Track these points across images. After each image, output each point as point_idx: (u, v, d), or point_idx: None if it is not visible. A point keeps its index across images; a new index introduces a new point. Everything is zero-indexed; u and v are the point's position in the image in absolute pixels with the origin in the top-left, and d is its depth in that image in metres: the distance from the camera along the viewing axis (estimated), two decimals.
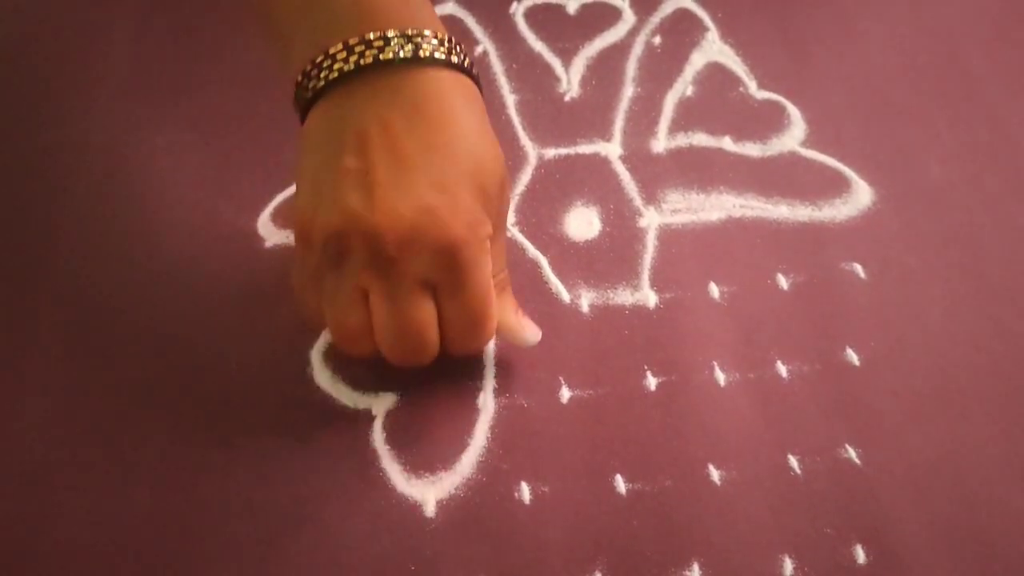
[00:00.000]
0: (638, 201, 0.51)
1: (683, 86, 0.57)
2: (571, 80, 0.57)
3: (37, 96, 0.56)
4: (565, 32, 0.60)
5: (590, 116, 0.55)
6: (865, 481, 0.41)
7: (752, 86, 0.56)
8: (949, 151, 0.54)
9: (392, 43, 0.36)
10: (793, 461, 0.42)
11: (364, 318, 0.37)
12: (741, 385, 0.44)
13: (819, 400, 0.43)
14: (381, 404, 0.43)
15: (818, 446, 0.42)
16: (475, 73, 0.40)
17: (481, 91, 0.40)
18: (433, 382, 0.44)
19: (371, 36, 0.36)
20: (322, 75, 0.37)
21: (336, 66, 0.37)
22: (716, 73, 0.57)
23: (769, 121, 0.55)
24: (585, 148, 0.53)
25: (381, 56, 0.36)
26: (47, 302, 0.47)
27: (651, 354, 0.45)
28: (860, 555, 0.39)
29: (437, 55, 0.37)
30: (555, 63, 0.58)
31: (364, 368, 0.44)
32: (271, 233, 0.49)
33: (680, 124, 0.54)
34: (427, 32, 0.37)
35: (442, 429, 0.43)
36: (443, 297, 0.37)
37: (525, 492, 0.41)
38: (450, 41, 0.38)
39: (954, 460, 0.42)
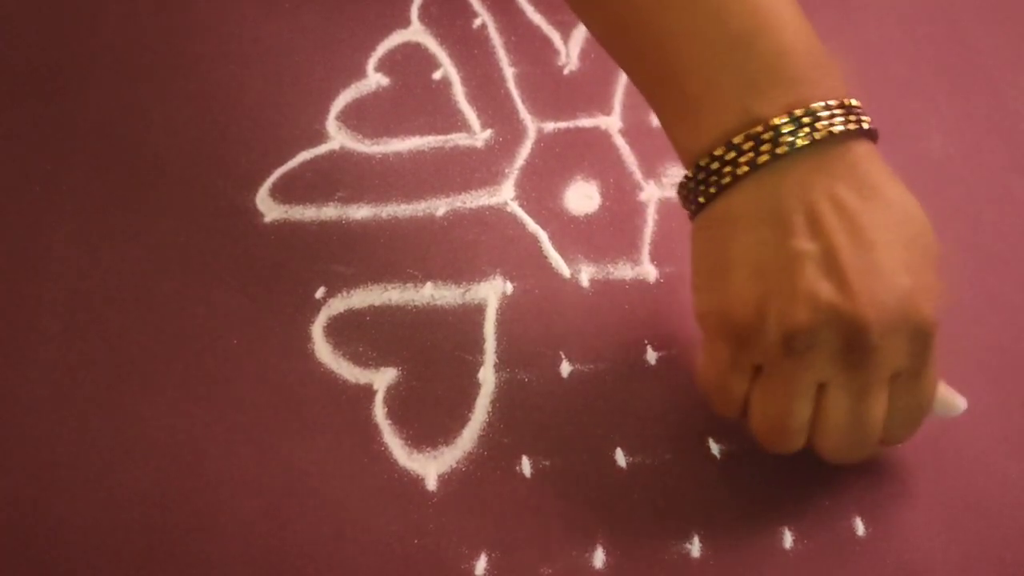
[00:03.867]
0: (638, 175, 0.51)
1: None
2: (570, 53, 0.56)
3: (30, 74, 0.56)
4: (564, 5, 0.59)
5: (590, 89, 0.54)
6: None
7: None
8: (949, 124, 0.53)
9: (835, 118, 0.33)
10: None
11: (811, 413, 0.34)
12: None
13: None
14: (382, 379, 0.43)
15: None
16: (875, 133, 0.36)
17: None
18: (434, 357, 0.44)
19: (816, 106, 0.33)
20: (763, 149, 0.33)
21: (784, 139, 0.32)
22: None
23: None
24: (585, 122, 0.53)
25: (833, 130, 0.33)
26: (45, 280, 0.47)
27: (652, 328, 0.45)
28: (859, 527, 0.39)
29: (864, 125, 0.34)
30: (554, 36, 0.57)
31: (365, 344, 0.44)
32: (270, 208, 0.49)
33: None
34: (855, 102, 0.34)
35: (443, 404, 0.43)
36: (902, 385, 0.34)
37: (526, 466, 0.41)
38: (857, 106, 0.35)
39: (952, 432, 0.42)
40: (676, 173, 0.50)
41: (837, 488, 0.40)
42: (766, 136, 0.33)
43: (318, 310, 0.45)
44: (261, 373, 0.44)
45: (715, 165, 0.33)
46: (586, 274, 0.47)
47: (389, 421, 0.42)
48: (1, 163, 0.52)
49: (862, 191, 0.33)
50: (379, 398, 0.43)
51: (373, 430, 0.42)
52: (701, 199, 0.34)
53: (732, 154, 0.33)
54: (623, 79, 0.55)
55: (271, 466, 0.41)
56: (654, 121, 0.53)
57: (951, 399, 0.38)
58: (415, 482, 0.40)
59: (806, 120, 0.33)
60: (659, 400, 0.43)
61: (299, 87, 0.54)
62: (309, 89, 0.54)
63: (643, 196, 0.50)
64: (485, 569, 0.38)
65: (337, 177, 0.50)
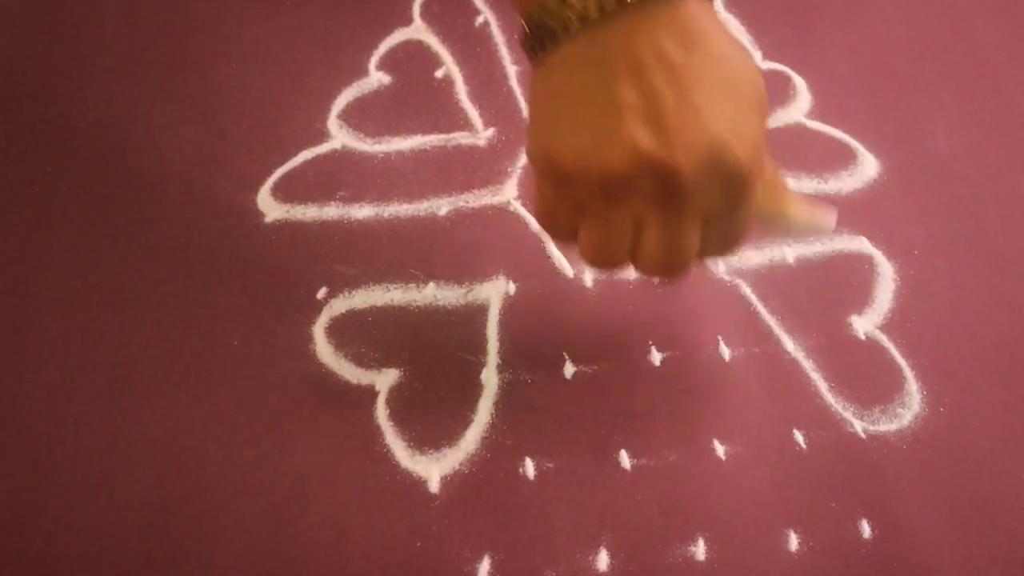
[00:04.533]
0: None
1: None
2: None
3: (32, 73, 0.55)
4: None
5: None
6: (870, 455, 0.41)
7: (757, 57, 0.56)
8: (954, 122, 0.53)
9: None
10: (798, 436, 0.42)
11: (630, 244, 0.36)
12: (746, 360, 0.44)
13: (825, 373, 0.43)
14: (384, 380, 0.43)
15: (823, 420, 0.42)
16: None
17: None
18: (436, 358, 0.44)
19: None
20: (592, 2, 0.33)
21: None
22: None
23: (774, 92, 0.54)
24: None
25: None
26: (46, 281, 0.47)
27: (655, 329, 0.45)
28: (865, 529, 0.39)
29: None
30: None
31: (367, 344, 0.44)
32: (271, 208, 0.49)
33: None
34: None
35: (445, 405, 0.42)
36: (713, 222, 0.35)
37: (529, 468, 0.41)
38: None
39: (958, 433, 0.42)
40: None
41: (843, 490, 0.40)
42: None
43: (319, 311, 0.45)
44: (262, 374, 0.43)
45: (550, 21, 0.35)
46: (590, 274, 0.47)
47: (391, 423, 0.42)
48: (2, 164, 0.51)
49: (687, 43, 0.33)
50: (381, 399, 0.43)
51: (375, 432, 0.42)
52: (539, 52, 0.36)
53: (565, 10, 0.34)
54: None
55: (272, 468, 0.41)
56: None
57: (815, 219, 0.39)
58: (418, 484, 0.40)
59: None
60: (663, 401, 0.42)
61: (300, 86, 0.54)
62: (310, 88, 0.54)
63: None
64: (488, 572, 0.38)
65: (339, 176, 0.50)
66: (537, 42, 0.35)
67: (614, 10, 0.33)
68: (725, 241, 0.36)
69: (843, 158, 0.51)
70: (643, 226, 0.35)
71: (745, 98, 0.34)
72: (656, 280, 0.40)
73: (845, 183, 0.50)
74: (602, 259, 0.37)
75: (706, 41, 0.34)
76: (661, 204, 0.34)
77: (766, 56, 0.56)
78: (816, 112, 0.53)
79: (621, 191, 0.34)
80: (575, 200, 0.35)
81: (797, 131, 0.52)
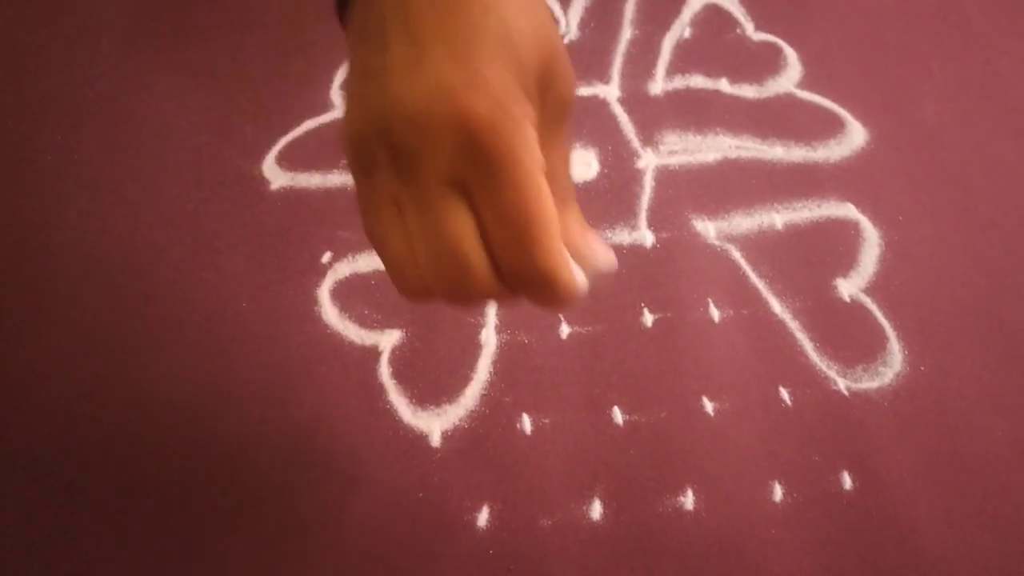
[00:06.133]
0: (636, 143, 0.52)
1: (681, 28, 0.57)
2: (569, 22, 0.57)
3: (39, 45, 0.56)
4: None
5: (588, 58, 0.55)
6: (852, 412, 0.43)
7: (749, 28, 0.57)
8: (942, 91, 0.54)
9: None
10: (784, 393, 0.43)
11: (406, 240, 0.30)
12: (735, 321, 0.45)
13: (810, 334, 0.45)
14: (387, 340, 0.45)
15: (808, 379, 0.44)
16: None
17: None
18: (437, 319, 0.45)
19: None
20: None
21: None
22: (714, 15, 0.58)
23: (766, 63, 0.55)
24: (583, 90, 0.54)
25: None
26: (59, 248, 0.48)
27: (648, 292, 0.46)
28: (847, 481, 0.41)
29: None
30: (554, 5, 0.58)
31: (370, 306, 0.45)
32: (276, 176, 0.50)
33: (678, 66, 0.55)
34: None
35: (446, 364, 0.44)
36: (478, 200, 0.29)
37: (526, 423, 0.42)
38: None
39: (937, 391, 0.43)
40: (674, 141, 0.52)
41: (826, 444, 0.42)
42: None
43: (324, 274, 0.47)
44: (270, 335, 0.45)
45: None
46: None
47: (394, 380, 0.43)
48: (12, 133, 0.53)
49: None
50: (384, 359, 0.44)
51: (379, 389, 0.43)
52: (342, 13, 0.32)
53: None
54: (621, 48, 0.56)
55: (280, 424, 0.42)
56: (652, 89, 0.54)
57: (586, 253, 0.31)
58: (420, 438, 0.42)
59: None
60: (655, 360, 0.44)
61: (304, 57, 0.55)
62: (314, 59, 0.55)
63: (641, 163, 0.51)
64: (487, 521, 0.40)
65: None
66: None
67: None
68: (507, 223, 0.29)
69: (832, 127, 0.52)
70: (401, 210, 0.30)
71: (495, 41, 0.29)
72: (451, 301, 0.31)
73: (833, 151, 0.51)
74: (388, 260, 0.31)
75: None
76: (397, 173, 0.29)
77: (758, 27, 0.57)
78: (806, 82, 0.54)
79: (363, 159, 0.29)
80: (357, 188, 0.31)
81: (787, 100, 0.53)
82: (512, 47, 0.29)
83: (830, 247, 0.48)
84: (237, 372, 0.44)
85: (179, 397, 0.43)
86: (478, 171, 0.28)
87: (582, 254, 0.31)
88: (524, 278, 0.30)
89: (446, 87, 0.28)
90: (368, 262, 0.47)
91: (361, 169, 0.30)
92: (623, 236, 0.48)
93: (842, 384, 0.43)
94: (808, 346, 0.44)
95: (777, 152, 0.51)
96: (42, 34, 0.57)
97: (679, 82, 0.54)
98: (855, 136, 0.52)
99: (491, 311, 0.45)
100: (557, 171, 0.31)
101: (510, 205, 0.28)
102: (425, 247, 0.29)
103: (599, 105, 0.53)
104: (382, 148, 0.29)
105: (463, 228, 0.29)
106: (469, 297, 0.30)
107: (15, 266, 0.47)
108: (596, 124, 0.52)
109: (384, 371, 0.44)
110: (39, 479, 0.41)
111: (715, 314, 0.45)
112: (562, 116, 0.32)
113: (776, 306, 0.46)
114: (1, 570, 0.38)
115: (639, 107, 0.53)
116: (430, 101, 0.28)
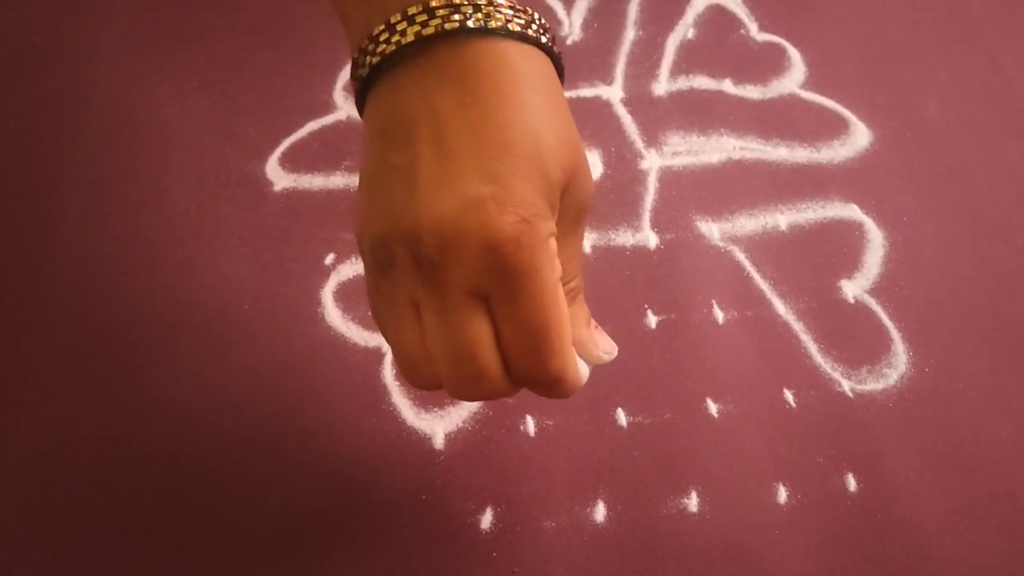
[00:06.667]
0: (639, 144, 0.52)
1: (684, 29, 0.57)
2: (572, 23, 0.57)
3: (42, 46, 0.56)
4: None
5: (591, 59, 0.55)
6: (857, 413, 0.43)
7: (753, 28, 0.57)
8: (946, 92, 0.54)
9: (461, 11, 0.30)
10: (788, 394, 0.43)
11: (420, 337, 0.31)
12: (739, 323, 0.45)
13: (815, 335, 0.45)
14: None
15: (812, 380, 0.43)
16: (555, 51, 0.32)
17: (562, 73, 0.33)
18: None
19: (435, 3, 0.30)
20: (379, 50, 0.30)
21: (394, 38, 0.30)
22: (717, 15, 0.58)
23: (769, 63, 0.55)
24: (587, 91, 0.54)
25: (446, 26, 0.29)
26: (60, 249, 0.48)
27: (651, 293, 0.46)
28: (851, 483, 0.41)
29: (512, 27, 0.30)
30: (557, 6, 0.58)
31: None
32: (280, 177, 0.50)
33: (681, 67, 0.55)
34: (502, 0, 0.31)
35: None
36: (498, 310, 0.30)
37: (530, 425, 0.42)
38: (528, 13, 0.31)
39: (942, 392, 0.43)
40: (677, 142, 0.52)
41: (830, 446, 0.42)
42: (383, 38, 0.30)
43: (327, 276, 0.47)
44: (272, 336, 0.45)
45: (355, 72, 0.32)
46: (588, 240, 0.48)
47: (397, 382, 0.43)
48: (14, 135, 0.53)
49: (464, 98, 0.30)
50: (388, 360, 0.44)
51: (382, 391, 0.43)
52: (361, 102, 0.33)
53: (361, 56, 0.31)
54: (625, 49, 0.56)
55: (282, 426, 0.42)
56: (655, 90, 0.54)
57: (590, 347, 0.34)
58: (423, 440, 0.42)
59: (419, 18, 0.30)
60: (658, 362, 0.44)
61: (306, 58, 0.55)
62: (316, 60, 0.55)
63: (644, 164, 0.51)
64: (491, 523, 0.40)
65: (344, 146, 0.51)
66: (362, 72, 0.32)
67: (395, 58, 0.30)
68: (525, 336, 0.30)
69: (836, 128, 0.52)
70: (421, 312, 0.31)
71: (524, 158, 0.29)
72: (462, 399, 0.34)
73: (837, 152, 0.51)
74: (401, 356, 0.32)
75: (487, 93, 0.30)
76: (420, 278, 0.30)
77: (762, 27, 0.57)
78: (810, 82, 0.54)
79: (384, 261, 0.30)
80: (372, 284, 0.32)
81: (791, 101, 0.53)
82: (540, 162, 0.29)
83: (834, 248, 0.48)
84: (239, 374, 0.44)
85: (180, 399, 0.43)
86: (501, 284, 0.29)
87: (587, 349, 0.33)
88: (534, 379, 0.31)
89: (477, 203, 0.28)
90: None
91: (377, 266, 0.30)
92: (626, 237, 0.48)
93: (847, 385, 0.43)
94: (812, 347, 0.44)
95: (781, 153, 0.51)
96: (44, 35, 0.57)
97: (682, 83, 0.54)
98: (859, 137, 0.52)
99: None
100: (569, 271, 0.33)
101: (529, 318, 0.30)
102: (441, 349, 0.30)
103: (602, 106, 0.53)
104: (406, 253, 0.29)
105: (481, 335, 0.30)
106: (479, 397, 0.32)
107: (16, 266, 0.47)
108: (599, 125, 0.52)
109: (387, 373, 0.44)
110: (39, 479, 0.41)
111: (719, 315, 0.45)
112: (579, 220, 0.33)
113: (780, 307, 0.46)
114: (1, 570, 0.38)
115: (642, 108, 0.53)
116: (460, 217, 0.28)
